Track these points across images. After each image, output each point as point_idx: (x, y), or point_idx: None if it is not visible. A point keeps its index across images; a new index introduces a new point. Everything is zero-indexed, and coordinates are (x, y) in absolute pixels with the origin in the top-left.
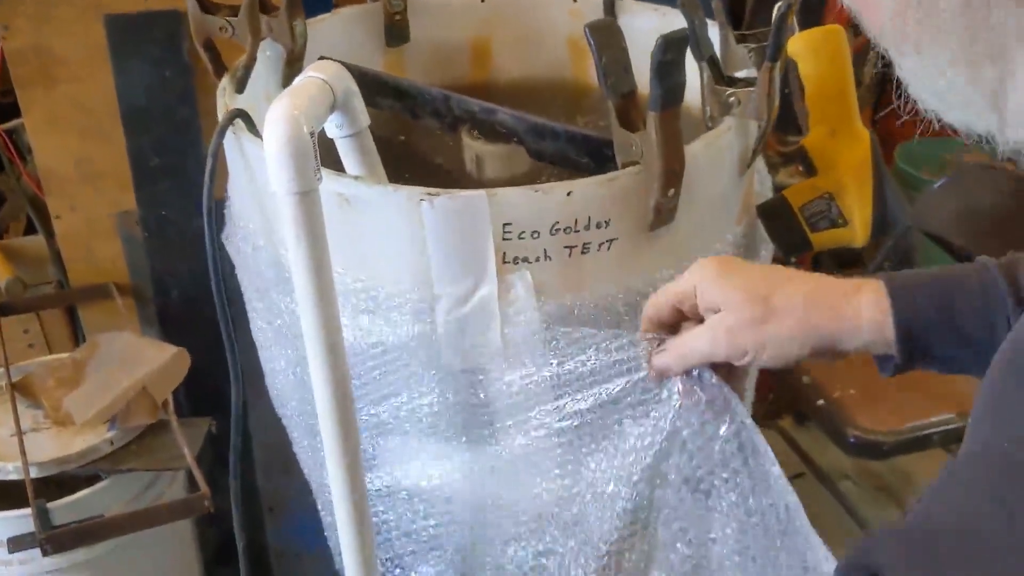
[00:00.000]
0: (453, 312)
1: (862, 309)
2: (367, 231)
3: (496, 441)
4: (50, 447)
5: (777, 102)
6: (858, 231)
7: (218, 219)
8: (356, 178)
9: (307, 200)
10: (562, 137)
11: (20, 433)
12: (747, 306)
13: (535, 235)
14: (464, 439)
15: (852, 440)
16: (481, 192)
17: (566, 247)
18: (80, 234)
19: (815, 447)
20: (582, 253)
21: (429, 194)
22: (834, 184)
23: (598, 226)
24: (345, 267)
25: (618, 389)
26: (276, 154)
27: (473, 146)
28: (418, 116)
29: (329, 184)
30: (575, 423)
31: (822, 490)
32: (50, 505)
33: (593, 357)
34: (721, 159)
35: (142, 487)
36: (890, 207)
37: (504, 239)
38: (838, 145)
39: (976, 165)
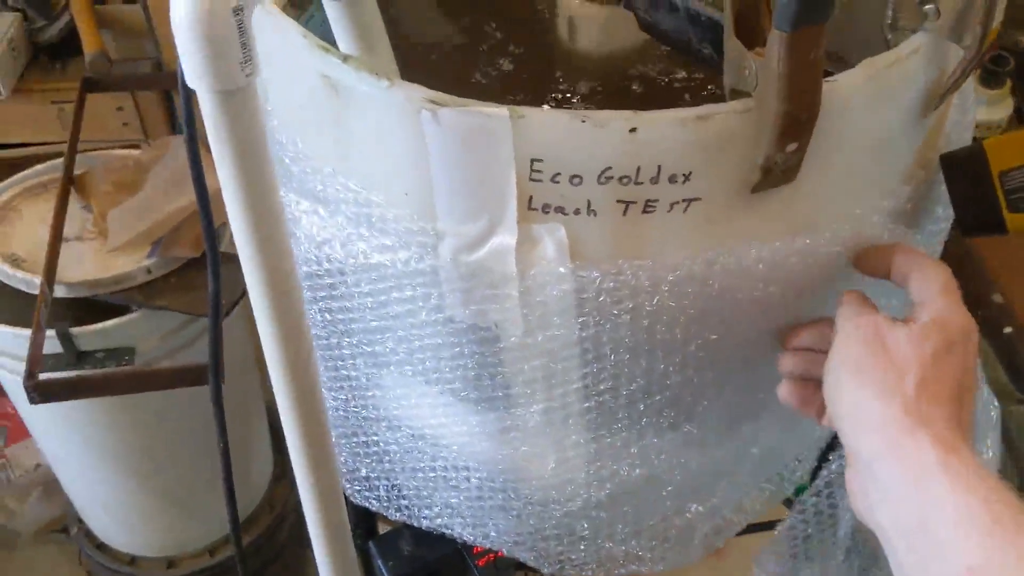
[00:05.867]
0: (460, 256)
1: None
2: (359, 130)
3: (510, 406)
4: (87, 264)
5: (1001, 17)
6: None
7: None
8: (345, 59)
9: (231, 102)
10: (682, 12)
11: (56, 244)
12: None
13: (576, 181)
14: (473, 397)
15: None
16: (503, 111)
17: (620, 202)
18: None
19: (991, 361)
20: (644, 212)
21: (433, 102)
22: None
23: (672, 180)
24: (336, 168)
25: None
26: (184, 36)
27: (569, 5)
28: None
29: (310, 61)
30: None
31: None
32: (75, 330)
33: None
34: (892, 98)
35: (176, 325)
36: None
37: (532, 179)
38: None
39: None
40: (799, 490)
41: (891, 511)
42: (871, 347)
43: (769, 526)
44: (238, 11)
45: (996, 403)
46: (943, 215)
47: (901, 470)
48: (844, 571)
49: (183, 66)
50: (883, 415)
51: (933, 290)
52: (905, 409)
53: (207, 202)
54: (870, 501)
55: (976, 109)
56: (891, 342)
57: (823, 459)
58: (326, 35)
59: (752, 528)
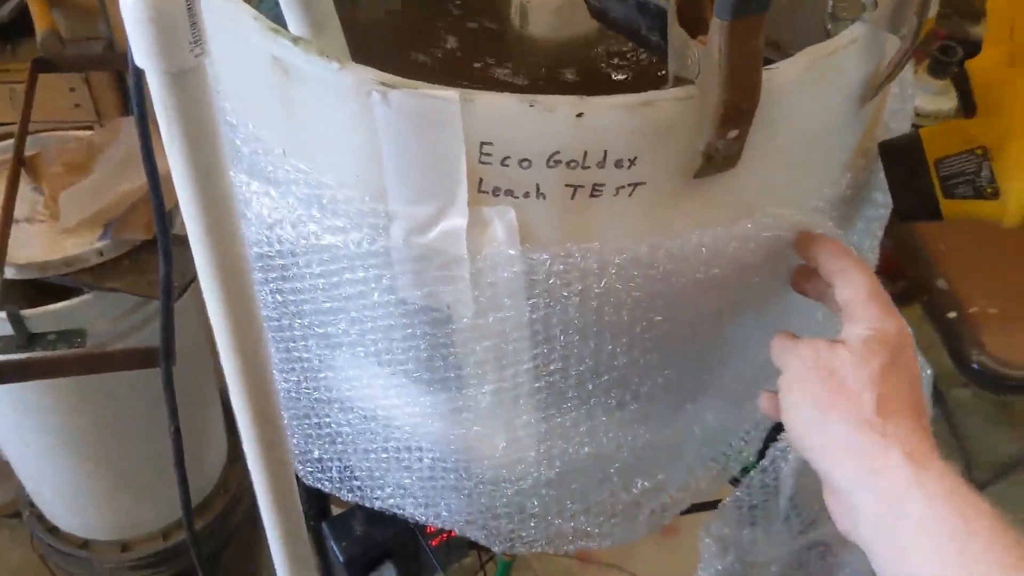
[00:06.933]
0: (412, 238)
1: None
2: (310, 112)
3: (461, 387)
4: (37, 246)
5: (936, 8)
6: (1011, 209)
7: None
8: (295, 40)
9: (180, 83)
10: (631, 0)
11: (6, 226)
12: None
13: (525, 164)
14: (425, 378)
15: (975, 366)
16: (453, 94)
17: (568, 186)
18: None
19: (933, 345)
20: (591, 196)
21: (383, 84)
22: (995, 136)
23: (618, 164)
24: (287, 150)
25: None
26: (131, 16)
27: None
28: None
29: (261, 43)
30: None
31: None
32: (26, 312)
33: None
34: (831, 87)
35: (128, 307)
36: None
37: (482, 162)
38: (1018, 80)
39: None
40: (745, 470)
41: (871, 532)
42: (819, 375)
43: (718, 505)
44: None
45: (929, 370)
46: (883, 201)
47: (877, 494)
48: (785, 532)
49: (131, 46)
50: (850, 442)
51: (860, 297)
52: (872, 431)
53: (158, 184)
54: (852, 522)
55: (925, 99)
56: (838, 367)
57: (769, 440)
58: (279, 17)
59: (703, 507)
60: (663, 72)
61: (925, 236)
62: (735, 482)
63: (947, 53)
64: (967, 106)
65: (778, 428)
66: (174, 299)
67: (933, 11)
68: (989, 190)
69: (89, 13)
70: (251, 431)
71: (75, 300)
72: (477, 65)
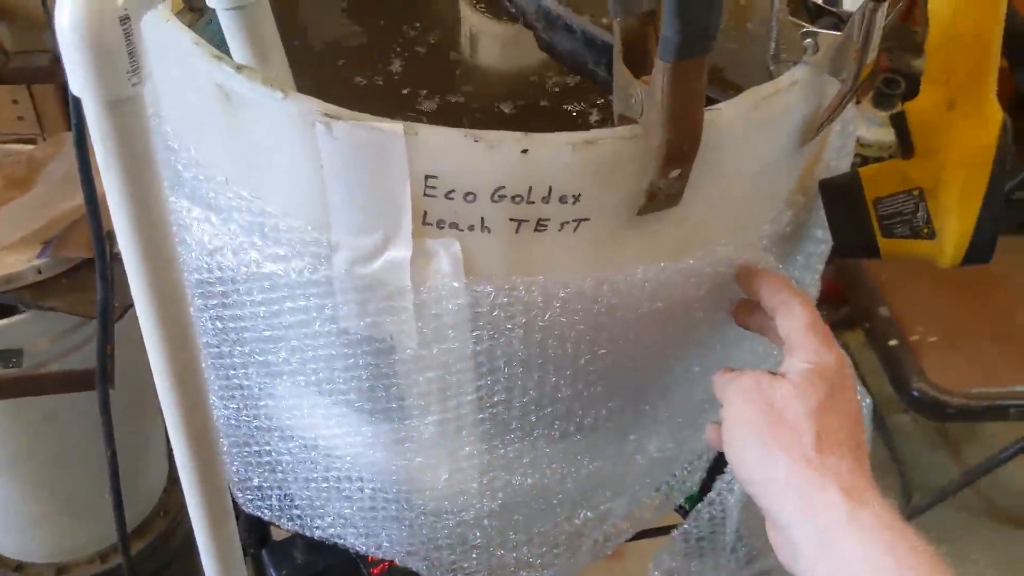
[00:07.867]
0: (355, 268)
1: None
2: (253, 139)
3: (404, 418)
4: None
5: (875, 54)
6: (947, 249)
7: None
8: (238, 68)
9: (117, 111)
10: (578, 35)
11: None
12: None
13: (470, 198)
14: (367, 408)
15: (915, 393)
16: (397, 127)
17: (512, 220)
18: None
19: (875, 371)
20: (535, 231)
21: (327, 115)
22: (932, 178)
23: (563, 200)
24: (229, 177)
25: None
26: (69, 44)
27: (471, 19)
28: None
29: (204, 69)
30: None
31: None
32: None
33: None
34: (772, 127)
35: (67, 327)
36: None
37: (427, 195)
38: (954, 123)
39: None
40: (689, 499)
41: (810, 566)
42: (759, 407)
43: (666, 531)
44: (125, 20)
45: (868, 399)
46: (823, 237)
47: (815, 529)
48: (732, 563)
49: (67, 73)
50: (789, 477)
51: (800, 328)
52: (809, 467)
53: (96, 204)
54: (792, 556)
55: (869, 129)
56: (778, 400)
57: (714, 471)
58: (224, 42)
59: (650, 533)
60: (610, 107)
61: (869, 265)
62: (683, 512)
63: (890, 85)
64: (905, 147)
65: (722, 458)
66: (113, 321)
67: (872, 56)
68: (926, 230)
69: (35, 25)
70: (187, 458)
71: (12, 319)
72: (425, 92)
